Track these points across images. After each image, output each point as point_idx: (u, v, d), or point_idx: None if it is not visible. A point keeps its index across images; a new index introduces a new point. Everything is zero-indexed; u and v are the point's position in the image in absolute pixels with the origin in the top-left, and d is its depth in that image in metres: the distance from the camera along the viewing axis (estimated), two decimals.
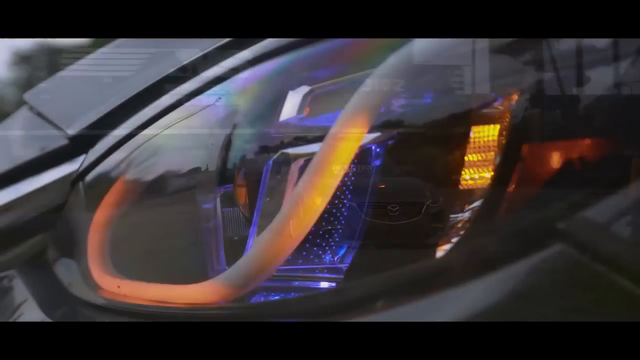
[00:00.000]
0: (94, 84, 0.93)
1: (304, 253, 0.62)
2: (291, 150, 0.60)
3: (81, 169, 0.84)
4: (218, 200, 0.69)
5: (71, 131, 0.87)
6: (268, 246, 0.57)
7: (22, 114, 1.03)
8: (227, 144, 0.63)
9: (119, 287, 0.75)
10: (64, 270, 0.88)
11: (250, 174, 0.62)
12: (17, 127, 1.02)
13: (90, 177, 0.83)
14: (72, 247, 0.87)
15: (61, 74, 1.03)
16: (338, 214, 0.61)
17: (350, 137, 0.55)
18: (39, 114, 0.96)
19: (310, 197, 0.56)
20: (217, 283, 0.62)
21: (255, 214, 0.62)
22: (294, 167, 0.60)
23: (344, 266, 0.62)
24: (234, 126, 0.63)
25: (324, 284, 0.63)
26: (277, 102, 0.60)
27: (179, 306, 0.67)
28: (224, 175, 0.66)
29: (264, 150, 0.61)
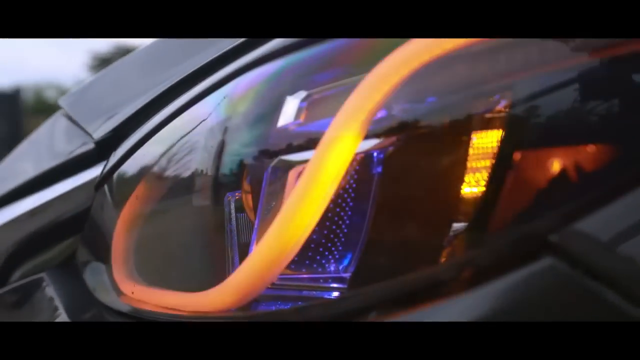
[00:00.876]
0: (121, 89, 0.93)
1: (307, 262, 0.61)
2: (289, 157, 0.58)
3: (104, 172, 0.84)
4: (232, 205, 0.68)
5: (96, 135, 0.88)
6: (264, 255, 0.56)
7: (57, 118, 1.04)
8: (222, 149, 0.62)
9: (132, 292, 0.75)
10: (90, 274, 0.88)
11: (253, 180, 0.61)
12: (51, 132, 1.04)
13: (111, 181, 0.83)
14: (97, 251, 0.88)
15: (93, 78, 1.04)
16: (340, 222, 0.59)
17: (344, 143, 0.53)
18: (71, 119, 0.97)
19: (305, 205, 0.54)
20: (219, 291, 0.61)
21: (256, 221, 0.61)
22: (293, 174, 0.58)
23: (348, 275, 0.60)
24: (225, 130, 0.62)
25: (328, 293, 0.61)
26: (277, 106, 0.59)
27: (187, 314, 0.66)
28: (228, 181, 0.65)
29: (263, 156, 0.60)
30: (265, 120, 0.60)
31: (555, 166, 0.47)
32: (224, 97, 0.65)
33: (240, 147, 0.62)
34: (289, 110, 0.58)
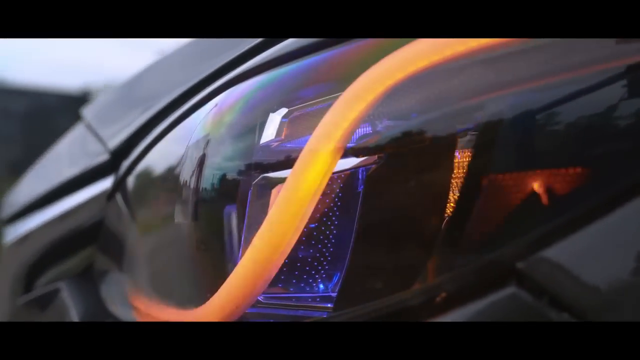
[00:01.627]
0: (140, 98, 0.94)
1: (295, 280, 0.60)
2: (272, 175, 0.58)
3: (114, 183, 0.85)
4: (232, 218, 0.68)
5: (111, 145, 0.89)
6: (243, 274, 0.55)
7: (79, 129, 1.06)
8: (213, 163, 0.61)
9: (135, 305, 0.75)
10: (104, 284, 0.89)
11: (243, 196, 0.61)
12: (74, 142, 1.05)
13: (122, 191, 0.84)
14: (111, 261, 0.89)
15: (114, 88, 1.05)
16: (326, 241, 0.58)
17: (321, 160, 0.52)
18: (90, 129, 0.98)
19: (282, 223, 0.53)
20: (205, 310, 0.60)
21: (242, 239, 0.60)
22: (275, 192, 0.57)
23: (335, 294, 0.59)
24: (207, 142, 0.62)
25: (319, 313, 0.60)
26: (262, 122, 0.58)
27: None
28: (225, 195, 0.64)
29: (250, 172, 0.59)
30: (251, 137, 0.59)
31: (526, 191, 0.45)
32: (215, 105, 0.65)
33: (225, 161, 0.62)
34: (271, 128, 0.57)
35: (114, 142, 0.89)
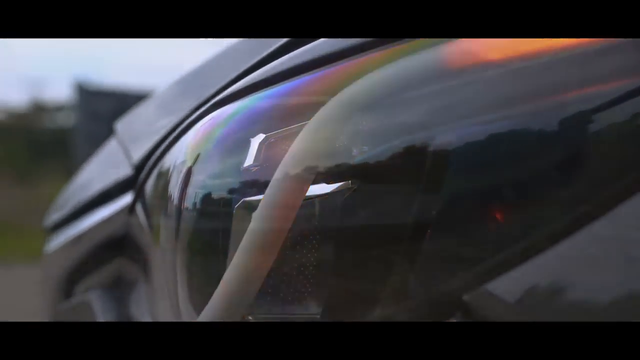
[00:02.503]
0: (167, 111, 0.96)
1: (281, 303, 0.61)
2: (253, 199, 0.58)
3: (134, 196, 0.87)
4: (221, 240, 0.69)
5: (135, 159, 0.91)
6: (221, 299, 0.57)
7: (111, 143, 1.09)
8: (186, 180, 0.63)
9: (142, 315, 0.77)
10: (131, 296, 0.92)
11: (224, 219, 0.62)
12: (104, 157, 1.08)
13: (141, 204, 0.86)
14: (137, 273, 0.91)
15: (146, 102, 1.08)
16: (308, 264, 0.59)
17: (292, 184, 0.53)
18: (121, 144, 1.01)
19: (255, 249, 0.54)
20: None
21: (228, 259, 0.61)
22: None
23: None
24: (197, 157, 0.63)
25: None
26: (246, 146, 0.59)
27: None
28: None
29: (229, 195, 0.60)
30: (233, 160, 0.60)
31: (477, 221, 0.45)
32: (209, 120, 0.66)
33: (210, 180, 0.63)
34: (251, 152, 0.58)
35: (137, 156, 0.91)
